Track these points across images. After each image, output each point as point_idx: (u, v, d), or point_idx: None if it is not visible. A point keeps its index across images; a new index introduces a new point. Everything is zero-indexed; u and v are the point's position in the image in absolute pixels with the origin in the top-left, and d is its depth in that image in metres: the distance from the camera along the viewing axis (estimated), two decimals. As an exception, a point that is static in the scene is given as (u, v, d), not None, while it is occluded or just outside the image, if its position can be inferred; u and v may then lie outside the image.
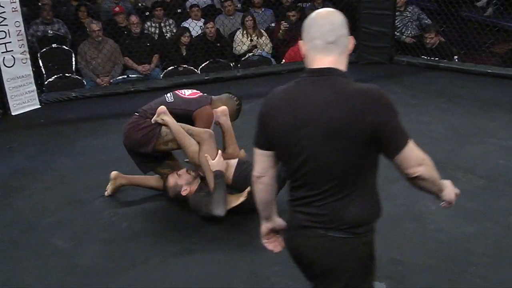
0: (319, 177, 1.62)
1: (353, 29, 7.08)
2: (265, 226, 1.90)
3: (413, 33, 6.90)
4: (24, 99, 5.55)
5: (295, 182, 1.69)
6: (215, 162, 3.17)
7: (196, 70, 6.56)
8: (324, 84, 1.59)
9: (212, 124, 3.40)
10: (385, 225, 3.06)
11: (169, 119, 3.28)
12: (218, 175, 3.13)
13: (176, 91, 3.52)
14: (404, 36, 6.89)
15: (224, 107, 3.49)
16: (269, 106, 1.68)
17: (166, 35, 6.94)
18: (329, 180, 1.61)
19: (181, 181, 3.24)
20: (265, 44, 6.95)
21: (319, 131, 1.57)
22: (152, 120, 3.31)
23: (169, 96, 3.45)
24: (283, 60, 6.88)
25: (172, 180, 3.27)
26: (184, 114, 3.36)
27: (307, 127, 1.58)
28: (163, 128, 3.27)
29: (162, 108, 3.32)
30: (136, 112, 3.41)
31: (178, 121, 3.30)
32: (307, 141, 1.60)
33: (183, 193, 3.22)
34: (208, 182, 3.20)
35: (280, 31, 6.91)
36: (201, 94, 3.54)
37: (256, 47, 6.83)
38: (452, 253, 2.78)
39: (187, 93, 3.50)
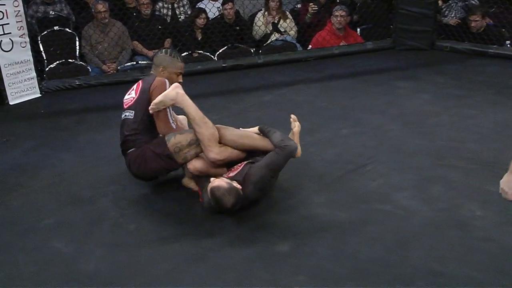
0: None
1: (389, 11, 7.08)
2: None
3: (457, 16, 6.78)
4: (23, 87, 5.61)
5: None
6: (249, 130, 3.46)
7: (212, 57, 6.57)
8: None
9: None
10: (426, 233, 3.03)
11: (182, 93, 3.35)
12: (262, 128, 3.43)
13: (124, 107, 3.56)
14: (447, 18, 6.78)
15: (176, 84, 3.45)
16: None
17: (180, 17, 6.95)
18: None
19: (226, 179, 3.15)
20: (289, 28, 6.91)
21: None
22: (150, 107, 3.32)
23: (126, 115, 3.51)
24: (310, 46, 6.84)
25: (219, 184, 3.07)
26: (148, 115, 3.40)
27: None
28: (171, 141, 3.30)
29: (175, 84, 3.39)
30: (127, 150, 3.46)
31: (150, 126, 3.41)
32: None
33: (238, 186, 3.14)
34: (264, 147, 3.36)
35: (308, 14, 6.86)
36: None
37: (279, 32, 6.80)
38: (502, 266, 2.72)
39: (132, 93, 3.54)
